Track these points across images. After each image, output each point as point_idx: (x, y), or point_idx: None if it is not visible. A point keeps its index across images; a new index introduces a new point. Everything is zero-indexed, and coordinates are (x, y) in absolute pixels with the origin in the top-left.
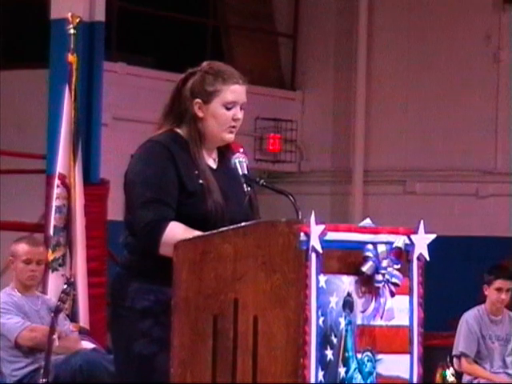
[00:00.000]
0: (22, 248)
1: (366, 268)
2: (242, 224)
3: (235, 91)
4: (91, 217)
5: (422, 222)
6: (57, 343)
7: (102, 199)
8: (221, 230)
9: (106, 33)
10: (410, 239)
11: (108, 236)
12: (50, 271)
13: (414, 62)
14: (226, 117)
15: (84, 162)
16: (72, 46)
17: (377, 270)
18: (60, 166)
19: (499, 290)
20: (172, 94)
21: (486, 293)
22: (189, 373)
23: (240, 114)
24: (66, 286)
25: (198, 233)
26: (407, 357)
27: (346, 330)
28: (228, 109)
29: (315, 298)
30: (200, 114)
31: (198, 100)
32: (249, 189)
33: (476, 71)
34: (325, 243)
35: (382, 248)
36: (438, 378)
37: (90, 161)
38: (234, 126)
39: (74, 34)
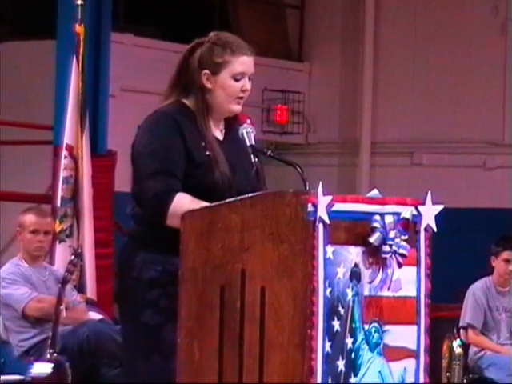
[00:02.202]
0: (30, 218)
1: (374, 239)
2: (250, 195)
3: (244, 62)
4: (98, 188)
5: (429, 193)
6: (64, 314)
7: (110, 170)
8: (228, 200)
9: (113, 4)
10: (417, 210)
11: (115, 207)
12: (58, 242)
13: (421, 33)
14: (234, 88)
15: (91, 133)
16: (79, 16)
17: (384, 240)
18: (67, 137)
19: (507, 261)
20: (179, 64)
21: (494, 264)
22: (196, 343)
23: (248, 85)
24: (73, 257)
25: (205, 204)
26: (414, 328)
27: (353, 301)
28: (237, 80)
29: (322, 268)
30: (208, 85)
31: (206, 71)
32: (256, 160)
33: (483, 43)
34: (332, 214)
35: (389, 219)
36: (445, 349)
37: (98, 132)
38: (241, 97)
39: (81, 4)
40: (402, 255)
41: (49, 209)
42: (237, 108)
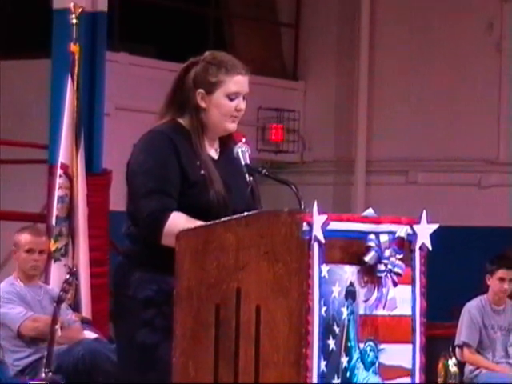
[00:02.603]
0: (25, 237)
1: (369, 258)
2: (245, 214)
3: (238, 82)
4: (93, 207)
5: (424, 211)
6: (59, 333)
7: (105, 189)
8: (223, 219)
9: (108, 23)
10: (412, 229)
11: (110, 226)
12: (53, 261)
13: (417, 51)
14: (228, 107)
15: (86, 152)
16: (74, 35)
17: (379, 259)
18: (62, 155)
19: (501, 279)
20: (174, 83)
21: (489, 283)
22: (191, 362)
23: (243, 105)
24: (68, 276)
25: (200, 223)
26: (409, 346)
27: (349, 320)
28: (231, 99)
29: (318, 287)
30: (202, 105)
31: (200, 90)
32: (251, 178)
33: (478, 60)
34: (327, 233)
35: (384, 238)
36: (440, 367)
37: (93, 151)
38: (236, 116)
39: (76, 23)
40: (397, 274)
41: (44, 228)
42: (231, 127)
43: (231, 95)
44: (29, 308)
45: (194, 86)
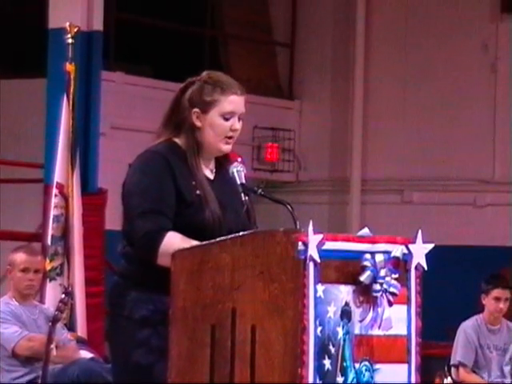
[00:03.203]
0: (20, 257)
1: (364, 277)
2: (240, 234)
3: (233, 102)
4: (89, 226)
5: (419, 231)
6: (54, 353)
7: (100, 209)
8: (218, 239)
9: (103, 42)
10: (407, 249)
11: (106, 245)
12: (48, 280)
13: (412, 71)
14: (223, 127)
15: (82, 172)
16: (70, 55)
17: (375, 279)
18: (58, 175)
19: (497, 299)
20: (171, 103)
21: (484, 302)
22: (187, 382)
23: (238, 125)
24: (63, 296)
25: (195, 243)
26: (405, 366)
27: (344, 340)
28: (226, 119)
29: (313, 307)
30: (198, 124)
31: (196, 109)
32: (246, 198)
33: (473, 81)
34: (323, 253)
35: (379, 257)
36: None
37: (88, 170)
38: (231, 137)
39: (71, 43)
40: (393, 294)
41: (39, 247)
42: (226, 148)
43: (226, 115)
44: (24, 327)
45: (190, 105)
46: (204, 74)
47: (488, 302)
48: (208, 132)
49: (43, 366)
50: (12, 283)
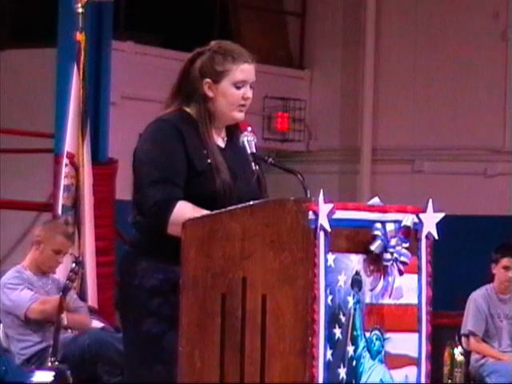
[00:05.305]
0: (60, 239)
1: (375, 246)
2: (250, 203)
3: (245, 70)
4: (99, 196)
5: (430, 200)
6: (65, 322)
7: (111, 178)
8: (229, 208)
9: (114, 12)
10: (418, 218)
11: (116, 215)
12: None
13: (422, 40)
14: (236, 96)
15: (92, 141)
16: (80, 24)
17: (385, 248)
18: (68, 145)
19: (506, 268)
20: (180, 73)
21: (494, 271)
22: (197, 351)
23: (250, 93)
24: (74, 265)
25: (206, 212)
26: (416, 335)
27: (355, 309)
28: (238, 88)
29: (323, 276)
30: (210, 94)
31: (207, 80)
32: (257, 167)
33: (484, 49)
34: (333, 222)
35: (390, 226)
36: (446, 356)
37: (99, 140)
38: (243, 105)
39: (82, 12)
40: (403, 263)
41: (50, 217)
42: (239, 116)
43: (238, 83)
44: (37, 293)
45: (201, 75)
46: (213, 43)
47: (498, 271)
48: (221, 101)
49: (54, 335)
50: (34, 256)
